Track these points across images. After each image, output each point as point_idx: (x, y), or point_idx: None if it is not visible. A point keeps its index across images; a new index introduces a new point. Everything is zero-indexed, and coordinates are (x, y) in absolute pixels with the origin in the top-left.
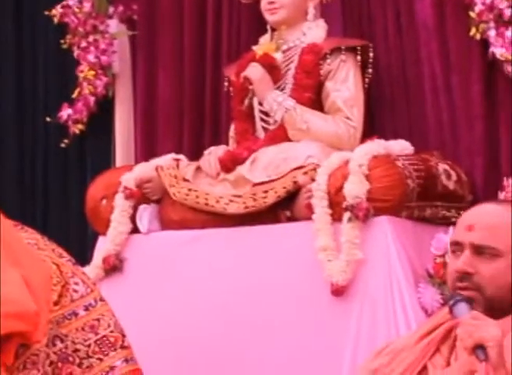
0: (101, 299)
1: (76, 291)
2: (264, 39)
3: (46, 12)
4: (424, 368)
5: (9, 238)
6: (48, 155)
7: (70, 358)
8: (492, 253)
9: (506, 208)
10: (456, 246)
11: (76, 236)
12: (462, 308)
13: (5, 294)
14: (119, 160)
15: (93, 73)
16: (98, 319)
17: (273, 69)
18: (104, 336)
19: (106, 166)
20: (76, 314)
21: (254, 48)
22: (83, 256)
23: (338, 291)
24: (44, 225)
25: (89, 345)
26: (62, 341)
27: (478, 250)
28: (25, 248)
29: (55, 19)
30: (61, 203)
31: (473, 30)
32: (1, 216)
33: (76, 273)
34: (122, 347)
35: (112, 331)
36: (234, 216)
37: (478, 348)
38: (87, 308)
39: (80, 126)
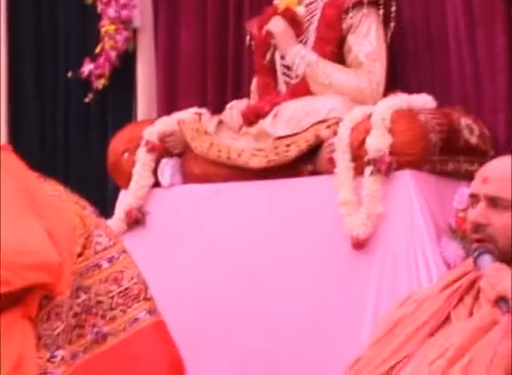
0: (124, 251)
1: (99, 243)
2: None
3: None
4: (448, 317)
5: (32, 190)
6: (70, 111)
7: (93, 310)
8: (505, 205)
9: None
10: (473, 198)
11: (97, 190)
12: (485, 259)
13: (28, 245)
14: (141, 114)
15: (113, 27)
16: (121, 271)
17: (295, 23)
18: (128, 288)
19: (128, 120)
20: (99, 266)
21: (276, 1)
22: (104, 210)
23: (358, 245)
24: (66, 179)
25: (112, 297)
26: (85, 292)
27: (492, 202)
28: (48, 199)
29: None
30: (82, 157)
31: None
32: (25, 169)
33: (99, 226)
34: (146, 298)
35: (135, 283)
36: (256, 169)
37: (501, 300)
38: (110, 261)
39: (102, 81)
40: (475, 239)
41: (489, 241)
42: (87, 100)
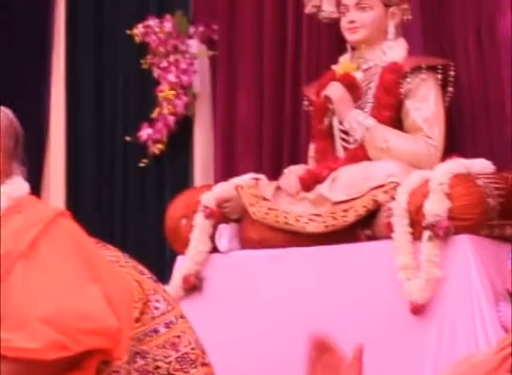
0: (182, 316)
1: (157, 308)
2: (344, 58)
3: (128, 32)
4: None
5: (91, 255)
6: (127, 175)
7: None
8: None
9: None
10: None
11: (154, 256)
12: None
13: (88, 311)
14: (198, 180)
15: (173, 92)
16: (179, 336)
17: (353, 88)
18: (185, 353)
19: (184, 186)
20: (156, 331)
21: (334, 67)
22: (161, 276)
23: (417, 310)
24: (123, 245)
25: (170, 362)
26: (142, 357)
27: None
28: (107, 265)
29: (137, 39)
30: (139, 223)
31: None
32: (84, 234)
33: (157, 291)
34: (203, 364)
35: (192, 348)
36: (314, 234)
37: None
38: (167, 326)
39: (160, 146)
40: None
41: None
42: (142, 165)
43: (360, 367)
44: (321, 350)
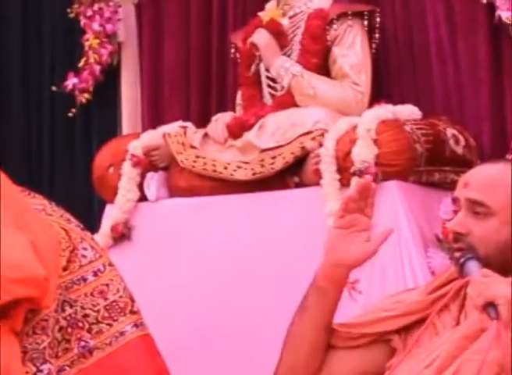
0: (110, 264)
1: (84, 256)
2: (271, 5)
3: None
4: (434, 325)
5: (17, 203)
6: (55, 124)
7: (80, 324)
8: (485, 212)
9: (505, 167)
10: (455, 204)
11: (82, 204)
12: (472, 266)
13: (14, 259)
14: (126, 128)
15: (98, 41)
16: (107, 285)
17: (280, 35)
18: (114, 301)
19: (112, 135)
20: (84, 279)
21: (261, 14)
22: (89, 225)
23: None
24: (51, 194)
25: (98, 310)
26: (71, 306)
27: (472, 207)
28: (32, 213)
29: None
30: (67, 172)
31: None
32: (9, 182)
33: (84, 239)
34: (132, 312)
35: (121, 296)
36: (242, 182)
37: (489, 306)
38: (95, 274)
39: (87, 95)
40: (455, 248)
41: (469, 250)
42: (70, 114)
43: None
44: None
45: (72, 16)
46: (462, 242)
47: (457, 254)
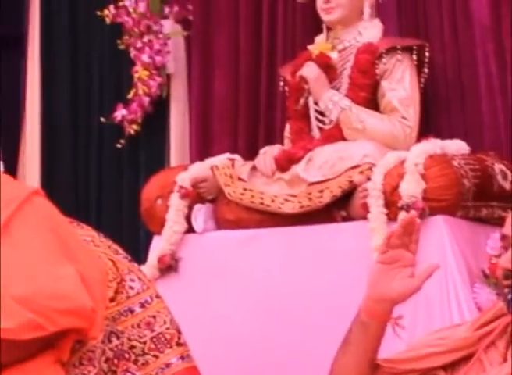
0: (157, 296)
1: (132, 287)
2: (320, 38)
3: (98, 13)
4: (481, 362)
5: (65, 234)
6: (103, 156)
7: (126, 355)
8: None
9: None
10: (504, 240)
11: (129, 236)
12: None
13: (62, 290)
14: (174, 160)
15: (147, 73)
16: (154, 316)
17: (329, 69)
18: (160, 333)
19: (160, 166)
20: (132, 311)
21: (310, 47)
22: (136, 257)
23: None
24: (98, 225)
25: (145, 342)
26: (117, 337)
27: None
28: (81, 244)
29: (107, 20)
30: (114, 203)
31: None
32: (58, 213)
33: (132, 270)
34: (178, 344)
35: (167, 328)
36: (289, 215)
37: None
38: (142, 305)
39: (135, 127)
40: (506, 285)
41: None
42: (118, 146)
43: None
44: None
45: (122, 47)
46: None
47: (506, 290)
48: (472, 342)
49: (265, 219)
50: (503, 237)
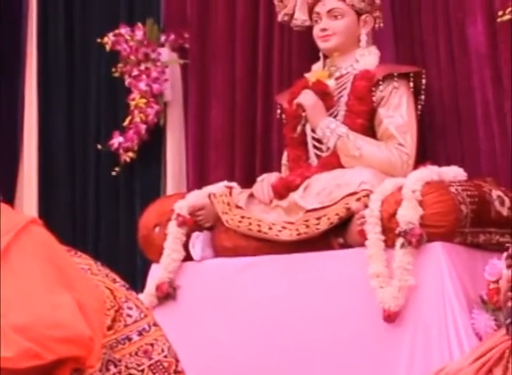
0: (155, 324)
1: (129, 315)
2: (317, 66)
3: (98, 40)
4: None
5: (63, 263)
6: (99, 183)
7: None
8: None
9: None
10: (510, 259)
11: (126, 264)
12: None
13: (59, 319)
14: (171, 188)
15: (144, 101)
16: (152, 344)
17: (326, 96)
18: (158, 361)
19: (156, 194)
20: (129, 339)
21: (307, 75)
22: (133, 285)
23: (390, 318)
24: (96, 253)
25: (142, 370)
26: (115, 365)
27: None
28: (78, 272)
29: (107, 47)
30: (111, 231)
31: None
32: (55, 241)
33: (129, 298)
34: (176, 372)
35: (165, 356)
36: (287, 242)
37: None
38: (140, 333)
39: (131, 154)
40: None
41: None
42: (113, 173)
43: None
44: None
45: (116, 75)
46: None
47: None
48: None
49: (263, 247)
50: (509, 257)
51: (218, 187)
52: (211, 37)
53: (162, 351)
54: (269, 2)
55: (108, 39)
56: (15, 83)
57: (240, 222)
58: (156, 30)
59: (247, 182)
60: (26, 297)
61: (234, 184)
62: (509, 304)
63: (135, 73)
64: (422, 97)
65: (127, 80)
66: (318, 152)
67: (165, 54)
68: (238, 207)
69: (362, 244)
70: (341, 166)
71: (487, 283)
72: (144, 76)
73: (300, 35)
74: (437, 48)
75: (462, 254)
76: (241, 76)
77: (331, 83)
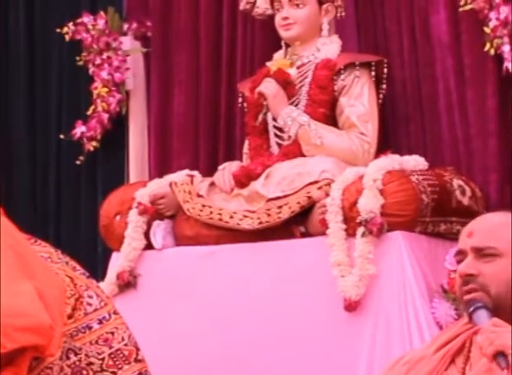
0: (115, 312)
1: (89, 304)
2: (279, 55)
3: (58, 30)
4: None
5: (23, 251)
6: (61, 172)
7: (84, 372)
8: (493, 253)
9: (505, 214)
10: (460, 255)
11: (87, 252)
12: (482, 315)
13: (19, 307)
14: (133, 176)
15: (106, 90)
16: (112, 333)
17: (287, 85)
18: (118, 349)
19: (119, 183)
20: (89, 327)
21: (268, 63)
22: (94, 273)
23: (351, 306)
24: (57, 242)
25: (103, 359)
26: (75, 354)
27: (479, 252)
28: (38, 261)
29: (67, 37)
30: (72, 219)
31: (487, 46)
32: (15, 230)
33: (90, 287)
34: (137, 360)
35: (126, 344)
36: (248, 231)
37: (500, 356)
38: (100, 322)
39: (94, 144)
40: (466, 290)
41: (482, 289)
42: (78, 162)
43: None
44: None
45: (80, 63)
46: (473, 283)
47: (467, 297)
48: (434, 365)
49: (224, 235)
50: (460, 252)
51: (180, 176)
52: (173, 25)
53: (123, 339)
54: None
55: (68, 29)
56: None
57: (201, 210)
58: (118, 19)
59: (211, 170)
60: None
61: (195, 173)
62: (465, 297)
63: (98, 62)
64: (384, 86)
65: (91, 69)
66: (280, 141)
67: (128, 43)
68: (199, 196)
69: (323, 233)
70: (302, 155)
71: (448, 272)
72: (105, 66)
73: (263, 24)
74: (400, 36)
75: (423, 243)
76: (204, 64)
77: (292, 71)
